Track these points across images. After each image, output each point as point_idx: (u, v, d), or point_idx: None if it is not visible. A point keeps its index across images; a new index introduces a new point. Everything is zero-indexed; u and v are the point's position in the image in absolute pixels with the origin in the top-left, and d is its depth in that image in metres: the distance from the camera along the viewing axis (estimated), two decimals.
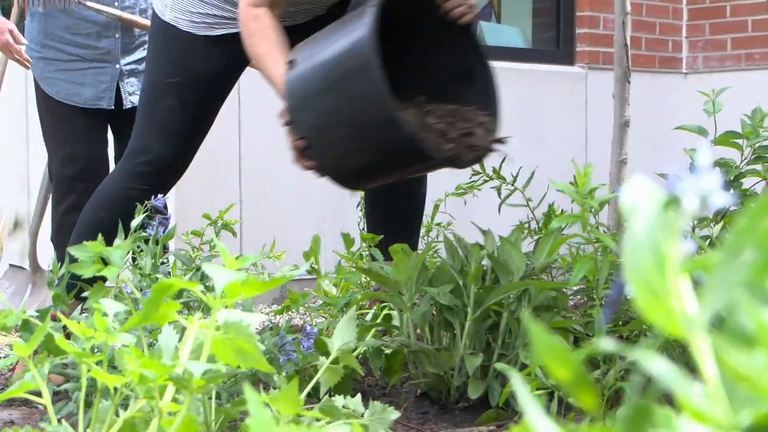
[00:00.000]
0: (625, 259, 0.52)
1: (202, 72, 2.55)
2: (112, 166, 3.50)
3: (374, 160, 2.15)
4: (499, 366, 1.64)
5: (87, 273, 1.46)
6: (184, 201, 4.34)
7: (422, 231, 3.21)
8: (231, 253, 1.19)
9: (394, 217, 2.63)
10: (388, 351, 2.26)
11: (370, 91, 1.98)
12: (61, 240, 3.99)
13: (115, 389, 1.18)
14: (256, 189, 4.58)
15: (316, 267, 2.83)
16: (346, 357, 1.62)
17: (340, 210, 4.64)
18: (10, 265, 4.57)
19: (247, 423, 0.63)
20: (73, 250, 1.46)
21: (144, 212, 1.89)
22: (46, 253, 4.47)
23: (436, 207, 3.24)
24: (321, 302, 2.76)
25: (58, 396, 1.97)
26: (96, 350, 1.23)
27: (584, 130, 5.57)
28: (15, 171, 5.09)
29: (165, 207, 2.88)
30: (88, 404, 1.74)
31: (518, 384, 0.50)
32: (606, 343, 0.53)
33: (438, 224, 3.35)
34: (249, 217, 4.51)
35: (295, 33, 2.36)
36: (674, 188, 0.54)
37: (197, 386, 1.12)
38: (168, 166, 2.61)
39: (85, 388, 1.10)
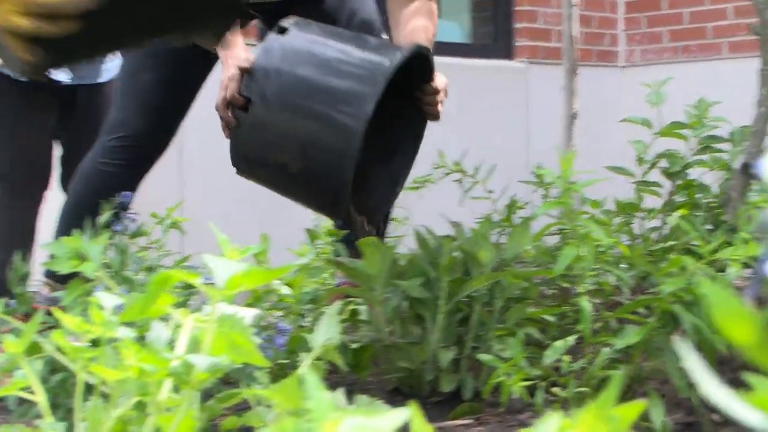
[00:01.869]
0: None
1: (180, 47, 2.53)
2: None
3: (289, 184, 2.19)
4: (483, 357, 1.61)
5: (64, 269, 1.41)
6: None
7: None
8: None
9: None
10: (355, 346, 2.23)
11: (338, 145, 2.01)
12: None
13: (92, 387, 1.13)
14: (198, 186, 4.51)
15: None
16: (330, 353, 1.58)
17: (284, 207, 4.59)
18: None
19: (309, 406, 0.59)
20: (49, 247, 1.41)
21: (112, 209, 1.83)
22: None
23: None
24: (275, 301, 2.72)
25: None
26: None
27: (525, 125, 5.59)
28: None
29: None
30: (56, 406, 1.69)
31: (693, 361, 0.47)
32: None
33: (394, 219, 3.32)
34: (193, 215, 4.44)
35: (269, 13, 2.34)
36: None
37: (198, 380, 1.08)
38: (143, 143, 2.58)
39: (82, 384, 1.05)
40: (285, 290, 2.72)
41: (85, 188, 2.62)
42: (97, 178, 2.58)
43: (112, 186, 2.27)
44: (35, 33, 1.47)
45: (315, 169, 2.14)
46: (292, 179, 2.20)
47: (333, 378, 2.44)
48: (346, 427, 0.60)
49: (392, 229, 3.38)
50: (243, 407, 1.58)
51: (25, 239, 3.65)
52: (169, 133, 2.62)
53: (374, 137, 2.27)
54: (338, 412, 0.61)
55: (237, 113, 2.20)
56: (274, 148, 2.18)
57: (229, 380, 1.93)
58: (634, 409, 0.53)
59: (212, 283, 1.09)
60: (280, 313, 3.05)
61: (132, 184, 2.67)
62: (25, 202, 3.60)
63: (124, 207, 2.02)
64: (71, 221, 2.26)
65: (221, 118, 2.24)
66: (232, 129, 2.22)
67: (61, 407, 1.73)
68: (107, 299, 1.06)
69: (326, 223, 2.97)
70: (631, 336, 1.48)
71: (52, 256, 1.41)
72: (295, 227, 3.38)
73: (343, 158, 2.05)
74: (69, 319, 1.03)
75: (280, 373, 2.03)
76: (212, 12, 1.67)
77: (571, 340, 1.59)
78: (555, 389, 1.63)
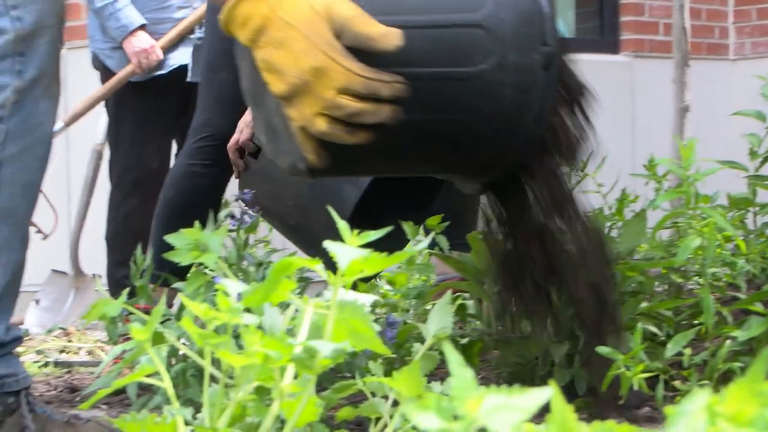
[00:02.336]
0: None
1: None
2: None
3: (289, 234, 2.20)
4: (602, 349, 1.59)
5: (185, 260, 1.43)
6: None
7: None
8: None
9: None
10: (464, 341, 2.22)
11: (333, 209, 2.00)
12: (116, 242, 3.99)
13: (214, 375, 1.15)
14: None
15: None
16: (443, 343, 1.58)
17: None
18: (53, 270, 4.56)
19: (450, 383, 0.59)
20: (170, 239, 1.43)
21: (228, 204, 1.87)
22: (89, 258, 4.47)
23: None
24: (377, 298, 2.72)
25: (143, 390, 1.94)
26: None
27: (631, 119, 5.51)
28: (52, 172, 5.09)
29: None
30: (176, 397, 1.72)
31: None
32: None
33: None
34: None
35: None
36: None
37: (321, 366, 1.08)
38: (227, 140, 2.57)
39: (209, 370, 1.07)
40: (387, 287, 2.73)
41: (174, 193, 2.65)
42: (187, 181, 2.60)
43: (202, 187, 2.29)
44: (332, 138, 1.47)
45: (311, 226, 2.15)
46: (291, 230, 2.22)
47: (442, 372, 2.43)
48: (489, 405, 0.59)
49: None
50: (358, 399, 1.59)
51: (137, 238, 3.74)
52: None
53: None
54: (480, 390, 0.61)
55: (247, 159, 2.24)
56: (275, 198, 2.21)
57: (340, 372, 1.94)
58: None
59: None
60: (383, 310, 3.06)
61: (221, 184, 2.70)
62: (138, 201, 3.68)
63: (244, 203, 2.05)
64: (163, 230, 2.23)
65: (231, 160, 2.30)
66: (240, 172, 2.28)
67: (180, 398, 1.76)
68: (233, 286, 1.07)
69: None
70: (755, 328, 1.45)
71: (172, 248, 1.43)
72: None
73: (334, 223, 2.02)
74: (195, 306, 1.04)
75: (389, 366, 2.03)
76: (477, 166, 1.64)
77: (691, 333, 1.56)
78: (676, 383, 1.59)
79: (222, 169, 2.61)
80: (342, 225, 1.09)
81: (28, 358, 3.25)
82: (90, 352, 3.58)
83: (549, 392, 0.60)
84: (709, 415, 0.54)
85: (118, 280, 3.76)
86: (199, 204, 2.10)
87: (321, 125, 1.45)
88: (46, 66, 1.63)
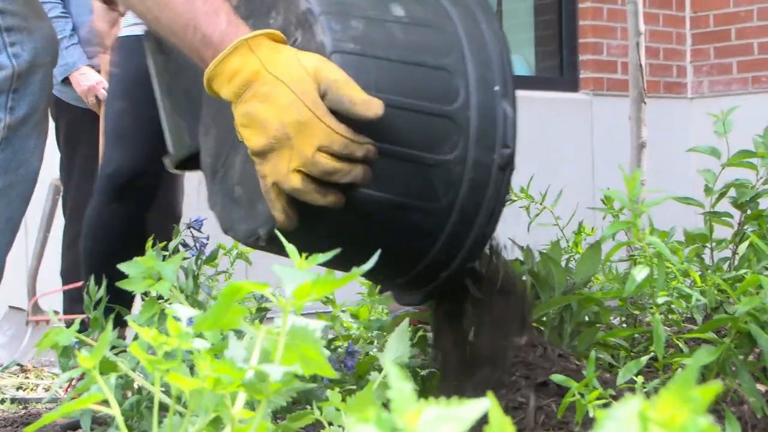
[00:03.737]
0: None
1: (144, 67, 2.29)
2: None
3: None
4: (556, 378, 1.60)
5: (139, 288, 1.43)
6: None
7: None
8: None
9: None
10: (424, 372, 2.22)
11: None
12: (71, 277, 3.96)
13: (172, 400, 1.14)
14: None
15: (331, 297, 2.79)
16: (385, 362, 1.58)
17: None
18: (10, 306, 4.52)
19: (390, 396, 0.59)
20: (123, 267, 1.42)
21: (181, 232, 1.86)
22: (46, 295, 4.42)
23: None
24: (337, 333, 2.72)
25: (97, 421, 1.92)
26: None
27: (591, 156, 5.56)
28: None
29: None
30: (129, 429, 1.70)
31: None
32: None
33: None
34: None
35: None
36: None
37: (271, 390, 1.08)
38: (132, 175, 2.45)
39: (158, 396, 1.06)
40: (349, 319, 2.73)
41: (91, 244, 2.49)
42: (99, 229, 2.42)
43: (117, 234, 2.17)
44: (304, 196, 1.47)
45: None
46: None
47: None
48: (428, 417, 0.60)
49: None
50: (317, 429, 1.58)
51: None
52: (152, 158, 2.34)
53: None
54: (419, 402, 0.61)
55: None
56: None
57: (299, 403, 1.93)
58: (712, 389, 0.52)
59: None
60: (345, 343, 3.06)
61: (137, 225, 2.49)
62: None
63: (196, 230, 2.04)
64: (90, 279, 2.03)
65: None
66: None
67: (134, 430, 1.75)
68: (183, 311, 1.07)
69: None
70: (706, 356, 1.46)
71: (125, 276, 1.43)
72: None
73: None
74: (144, 331, 1.04)
75: (349, 396, 2.03)
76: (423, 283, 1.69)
77: (644, 360, 1.58)
78: None
79: (136, 209, 2.45)
80: (291, 249, 1.10)
81: None
82: (47, 389, 3.54)
83: (487, 403, 0.60)
84: (640, 420, 0.55)
85: (75, 315, 3.73)
86: (119, 251, 1.89)
87: (295, 182, 1.46)
88: (37, 103, 1.62)
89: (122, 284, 1.44)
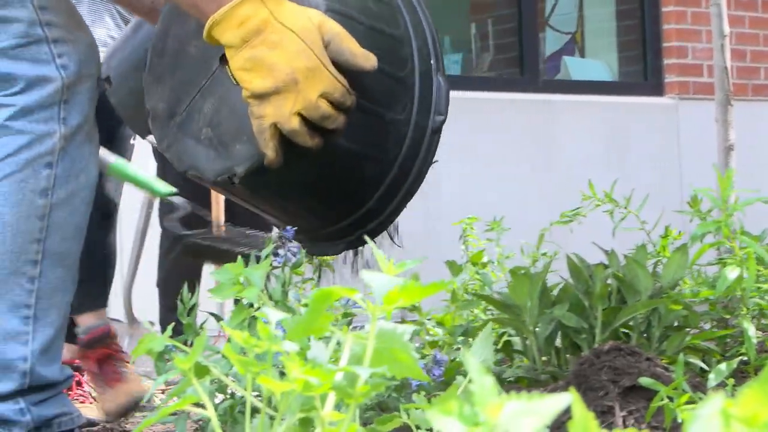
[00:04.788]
0: None
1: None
2: None
3: None
4: (644, 381, 1.60)
5: (228, 295, 1.46)
6: None
7: (529, 261, 3.17)
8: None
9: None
10: (509, 377, 2.22)
11: None
12: (167, 288, 4.04)
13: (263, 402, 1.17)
14: None
15: (417, 305, 2.80)
16: (464, 353, 1.59)
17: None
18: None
19: (473, 389, 0.61)
20: (214, 275, 1.46)
21: (274, 242, 1.89)
22: (142, 305, 4.52)
23: (542, 236, 3.19)
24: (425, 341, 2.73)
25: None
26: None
27: (677, 160, 5.49)
28: None
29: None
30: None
31: None
32: None
33: (544, 254, 3.31)
34: None
35: None
36: None
37: (361, 393, 1.10)
38: None
39: (250, 399, 1.09)
40: (433, 325, 2.73)
41: None
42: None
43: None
44: (298, 137, 1.59)
45: None
46: None
47: None
48: (510, 410, 0.61)
49: (541, 264, 3.36)
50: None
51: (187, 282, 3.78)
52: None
53: None
54: (501, 396, 0.62)
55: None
56: None
57: (387, 408, 1.95)
58: None
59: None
60: (431, 351, 3.07)
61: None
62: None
63: (286, 240, 2.07)
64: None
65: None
66: None
67: None
68: (272, 314, 1.10)
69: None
70: None
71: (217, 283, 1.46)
72: (438, 260, 3.40)
73: None
74: (236, 334, 1.07)
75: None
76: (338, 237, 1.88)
77: (734, 363, 1.56)
78: None
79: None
80: (378, 253, 1.12)
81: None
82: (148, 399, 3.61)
83: (569, 398, 0.62)
84: (723, 417, 0.55)
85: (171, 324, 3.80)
86: None
87: (295, 123, 1.56)
88: (88, 112, 1.68)
89: (212, 291, 1.47)
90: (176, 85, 1.79)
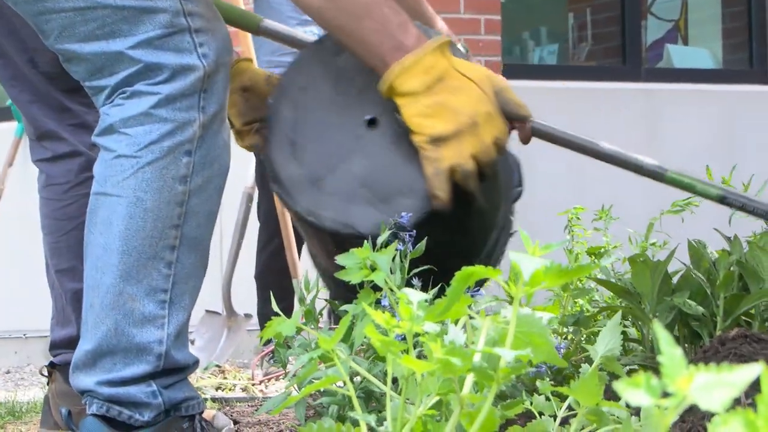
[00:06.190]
0: None
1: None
2: None
3: None
4: None
5: (355, 279, 1.47)
6: None
7: (638, 251, 3.12)
8: None
9: None
10: (627, 366, 2.20)
11: None
12: (264, 280, 4.08)
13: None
14: None
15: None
16: (611, 364, 1.57)
17: None
18: (206, 310, 4.68)
19: (660, 360, 0.60)
20: (340, 259, 1.47)
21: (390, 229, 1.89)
22: (240, 298, 4.58)
23: (651, 225, 3.14)
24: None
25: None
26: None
27: None
28: None
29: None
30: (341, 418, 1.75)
31: None
32: None
33: (653, 244, 3.25)
34: None
35: None
36: None
37: (502, 375, 1.10)
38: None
39: (391, 377, 1.09)
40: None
41: None
42: None
43: None
44: (467, 181, 1.68)
45: None
46: None
47: (607, 394, 2.40)
48: (700, 382, 0.60)
49: (652, 254, 3.30)
50: (526, 417, 1.59)
51: (284, 275, 3.83)
52: None
53: None
54: (691, 367, 0.61)
55: None
56: None
57: (503, 395, 1.94)
58: None
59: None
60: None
61: None
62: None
63: (403, 227, 2.07)
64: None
65: None
66: None
67: (348, 420, 1.79)
68: (414, 295, 1.10)
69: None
70: None
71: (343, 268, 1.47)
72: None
73: None
74: (377, 314, 1.07)
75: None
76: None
77: None
78: None
79: None
80: (526, 236, 1.11)
81: None
82: (244, 389, 3.65)
83: (759, 369, 0.60)
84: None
85: (268, 316, 3.84)
86: None
87: (472, 165, 1.66)
88: (223, 101, 1.70)
89: (340, 275, 1.48)
90: (320, 149, 1.81)
